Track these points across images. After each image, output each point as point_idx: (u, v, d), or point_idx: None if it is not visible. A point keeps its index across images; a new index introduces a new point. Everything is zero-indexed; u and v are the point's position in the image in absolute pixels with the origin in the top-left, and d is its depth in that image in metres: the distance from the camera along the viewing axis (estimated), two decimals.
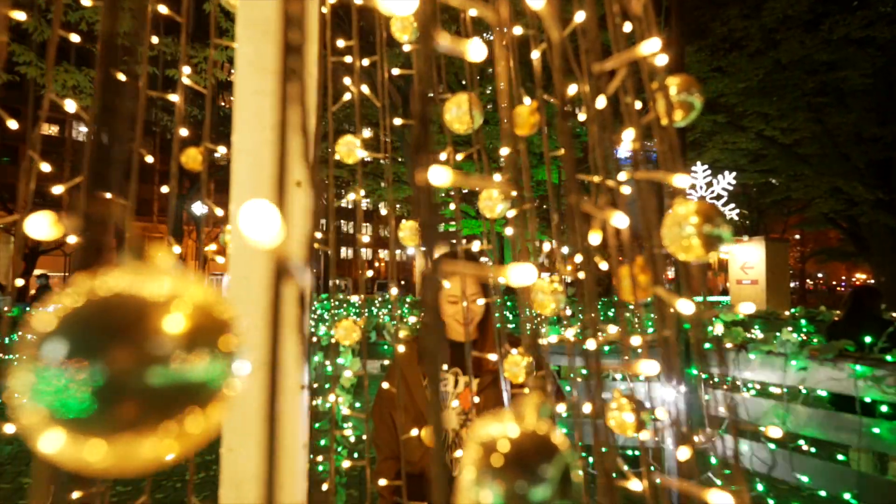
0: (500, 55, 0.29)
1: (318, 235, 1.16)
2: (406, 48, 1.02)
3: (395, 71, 1.08)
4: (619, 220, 0.39)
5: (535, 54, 0.82)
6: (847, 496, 2.19)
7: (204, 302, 0.14)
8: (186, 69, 0.96)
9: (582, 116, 0.63)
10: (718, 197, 11.95)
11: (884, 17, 9.08)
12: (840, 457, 2.88)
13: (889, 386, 2.09)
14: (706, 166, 12.46)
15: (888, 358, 2.15)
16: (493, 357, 1.15)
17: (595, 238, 0.40)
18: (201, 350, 0.14)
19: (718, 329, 2.65)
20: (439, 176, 0.23)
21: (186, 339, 0.14)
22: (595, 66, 0.40)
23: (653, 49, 0.38)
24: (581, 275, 0.75)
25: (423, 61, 0.23)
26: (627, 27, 0.54)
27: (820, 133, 10.93)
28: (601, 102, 0.49)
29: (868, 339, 2.35)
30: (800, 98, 10.62)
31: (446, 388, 1.43)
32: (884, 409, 2.24)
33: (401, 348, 1.50)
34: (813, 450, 2.64)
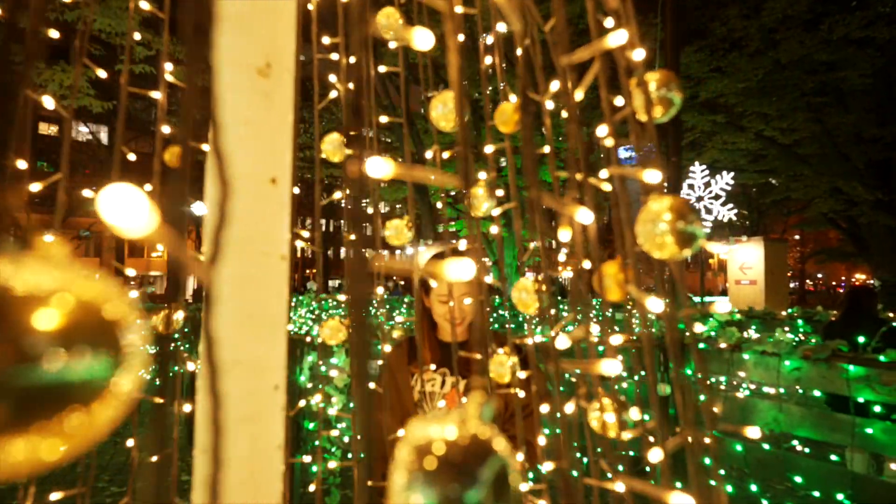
0: (452, 45, 0.29)
1: (306, 234, 1.15)
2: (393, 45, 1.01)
3: (382, 68, 1.07)
4: (584, 216, 0.38)
5: (519, 51, 0.81)
6: (841, 497, 2.18)
7: (92, 298, 0.13)
8: (169, 65, 0.95)
9: (562, 112, 0.62)
10: (717, 196, 11.94)
11: (883, 18, 9.07)
12: (833, 457, 2.87)
13: (882, 386, 2.08)
14: (705, 166, 12.45)
15: (881, 358, 2.14)
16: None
17: (564, 235, 0.40)
18: (83, 347, 0.13)
19: (698, 328, 2.65)
20: (378, 167, 0.22)
21: (66, 336, 0.13)
22: (563, 60, 0.39)
23: (620, 41, 0.38)
24: (565, 274, 0.74)
25: (357, 48, 0.22)
26: (610, 23, 0.54)
27: (819, 133, 10.91)
28: (576, 97, 0.48)
29: (861, 340, 2.35)
30: (799, 98, 10.60)
31: (433, 388, 1.43)
32: (877, 409, 2.24)
33: (387, 348, 1.49)
34: (807, 450, 2.63)
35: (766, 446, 2.52)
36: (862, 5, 9.46)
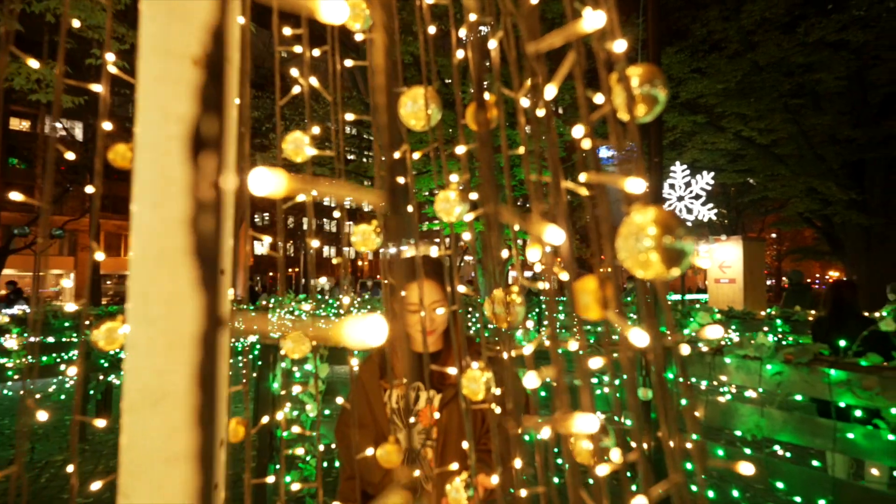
0: (379, 24, 0.22)
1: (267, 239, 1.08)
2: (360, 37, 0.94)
3: (348, 62, 1.00)
4: (553, 235, 0.32)
5: (493, 44, 0.75)
6: (822, 502, 2.18)
7: None
8: (110, 56, 0.87)
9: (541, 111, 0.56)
10: (697, 196, 12.08)
11: (857, 21, 9.25)
12: (815, 462, 2.88)
13: (862, 391, 2.08)
14: (685, 166, 12.60)
15: (862, 362, 2.14)
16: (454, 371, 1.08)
17: (533, 254, 0.34)
18: None
19: (684, 349, 2.63)
20: (263, 182, 0.16)
21: None
22: (530, 47, 0.33)
23: (597, 24, 0.32)
24: (542, 285, 0.68)
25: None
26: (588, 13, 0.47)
27: (796, 134, 11.11)
28: (549, 93, 0.42)
29: (843, 343, 2.35)
30: (777, 99, 10.78)
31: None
32: (858, 413, 2.24)
33: (355, 362, 1.41)
34: (788, 455, 2.63)
35: (747, 451, 2.51)
36: (837, 9, 9.64)
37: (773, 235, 30.18)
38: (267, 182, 0.16)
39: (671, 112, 11.96)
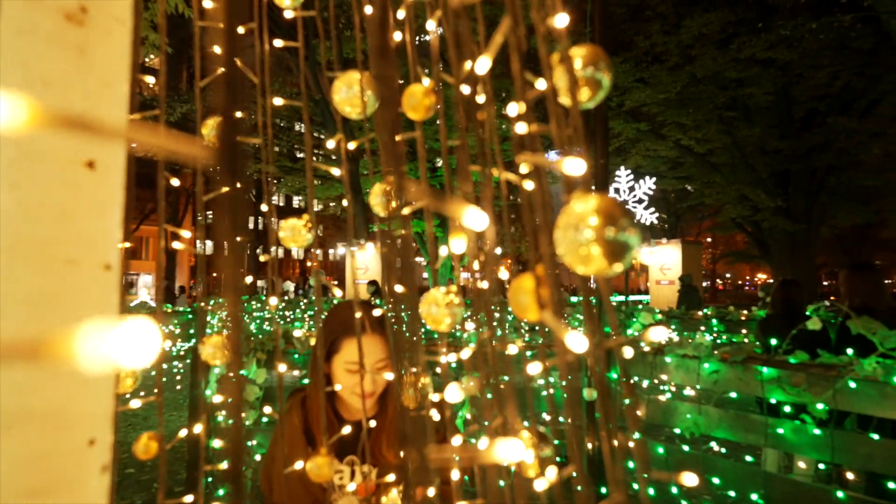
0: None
1: (187, 234, 0.97)
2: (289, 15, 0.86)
3: (278, 42, 0.92)
4: (474, 218, 0.27)
5: (431, 24, 0.69)
6: (754, 497, 2.27)
7: None
8: None
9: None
10: (640, 200, 12.59)
11: (784, 40, 9.93)
12: (748, 458, 3.02)
13: (791, 387, 2.18)
14: (629, 171, 13.10)
15: (791, 360, 2.25)
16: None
17: (458, 245, 0.28)
18: None
19: (627, 352, 2.69)
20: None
21: None
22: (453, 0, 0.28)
23: None
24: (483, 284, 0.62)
25: None
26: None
27: (730, 144, 11.80)
28: (482, 67, 0.37)
29: (774, 342, 2.47)
30: (712, 111, 11.40)
31: (342, 480, 1.19)
32: (787, 409, 2.35)
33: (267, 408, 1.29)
34: (724, 451, 2.74)
35: (685, 448, 2.59)
36: (766, 28, 10.31)
37: (709, 240, 31.97)
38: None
39: (617, 119, 12.41)
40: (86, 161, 0.49)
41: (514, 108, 0.34)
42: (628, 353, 0.47)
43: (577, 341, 0.27)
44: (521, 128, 0.42)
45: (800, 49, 9.97)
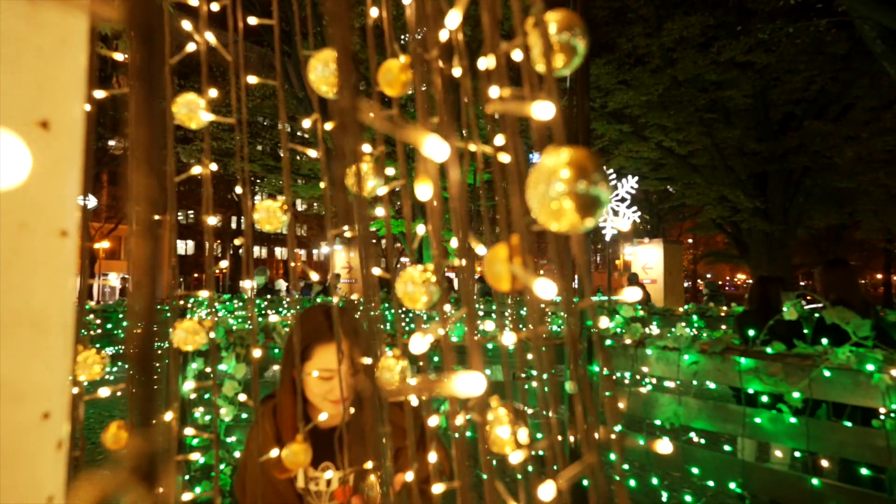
0: None
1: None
2: None
3: (252, 20, 0.90)
4: (434, 147, 0.26)
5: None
6: (733, 486, 2.31)
7: None
8: None
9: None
10: (623, 199, 12.73)
11: (762, 44, 10.14)
12: (727, 447, 3.07)
13: (768, 377, 2.23)
14: (612, 171, 13.25)
15: (768, 350, 2.29)
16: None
17: (424, 192, 0.27)
18: None
19: (604, 323, 2.70)
20: None
21: None
22: None
23: None
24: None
25: None
26: None
27: (710, 146, 12.00)
28: (452, 21, 0.36)
29: (752, 333, 2.52)
30: (693, 113, 11.58)
31: (318, 486, 1.18)
32: (764, 399, 2.40)
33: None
34: (703, 441, 2.78)
35: (666, 439, 2.62)
36: (745, 32, 10.52)
37: (690, 240, 32.48)
38: None
39: (599, 120, 12.54)
40: (39, 120, 0.47)
41: (485, 62, 0.33)
42: (604, 322, 0.47)
43: (546, 288, 0.26)
44: (494, 91, 0.42)
45: (777, 53, 10.19)
